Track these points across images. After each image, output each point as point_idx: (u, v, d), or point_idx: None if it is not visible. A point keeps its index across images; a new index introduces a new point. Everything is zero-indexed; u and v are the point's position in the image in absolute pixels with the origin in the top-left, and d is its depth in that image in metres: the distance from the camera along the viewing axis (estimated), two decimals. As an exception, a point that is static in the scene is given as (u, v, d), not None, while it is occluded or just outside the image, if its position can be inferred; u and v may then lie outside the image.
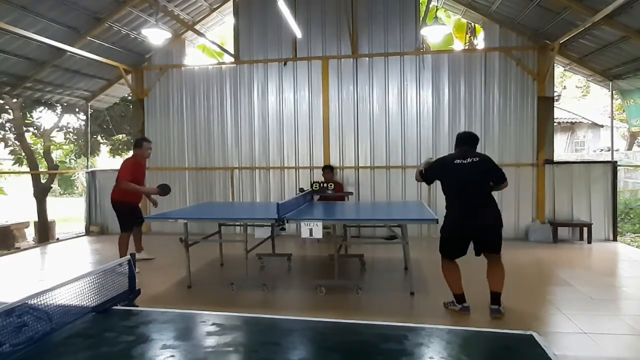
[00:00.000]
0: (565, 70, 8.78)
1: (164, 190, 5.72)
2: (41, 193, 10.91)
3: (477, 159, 3.89)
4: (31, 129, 11.74)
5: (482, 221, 3.80)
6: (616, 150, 12.10)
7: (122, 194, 5.63)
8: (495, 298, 3.84)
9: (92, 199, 8.91)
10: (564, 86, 21.53)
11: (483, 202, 3.86)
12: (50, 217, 10.88)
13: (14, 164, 12.03)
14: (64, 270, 5.56)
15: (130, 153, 6.87)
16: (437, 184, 4.15)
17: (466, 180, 3.85)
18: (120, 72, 8.16)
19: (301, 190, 6.76)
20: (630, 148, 16.38)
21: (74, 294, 2.35)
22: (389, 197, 7.87)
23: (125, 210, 5.68)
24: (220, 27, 10.22)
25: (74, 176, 17.87)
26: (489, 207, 3.87)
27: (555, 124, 8.45)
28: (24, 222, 10.73)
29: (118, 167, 5.90)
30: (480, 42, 11.20)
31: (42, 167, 11.88)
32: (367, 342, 2.00)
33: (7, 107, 11.00)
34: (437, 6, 7.82)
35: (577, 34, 6.31)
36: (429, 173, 4.16)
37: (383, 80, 7.87)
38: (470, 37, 11.71)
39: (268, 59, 8.23)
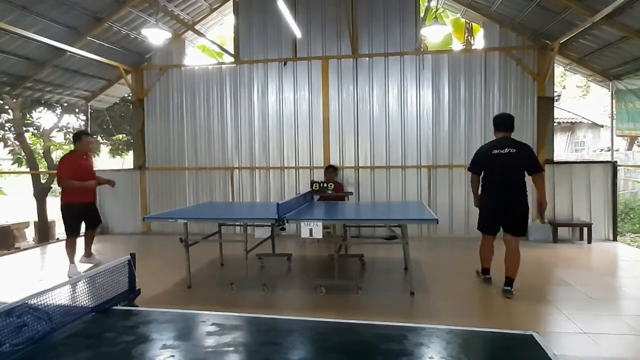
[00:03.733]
0: (565, 70, 8.77)
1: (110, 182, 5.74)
2: (41, 193, 10.91)
3: (514, 150, 4.13)
4: (31, 129, 11.74)
5: (509, 214, 4.25)
6: (616, 150, 12.09)
7: (71, 195, 5.36)
8: (508, 281, 4.32)
9: (92, 199, 8.88)
10: (564, 86, 21.52)
11: (514, 196, 4.19)
12: (50, 217, 10.87)
13: (13, 163, 12.02)
14: (64, 270, 5.55)
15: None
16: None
17: (501, 173, 4.18)
18: (120, 72, 8.17)
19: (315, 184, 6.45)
20: (630, 148, 16.36)
21: (74, 294, 2.35)
22: (389, 197, 7.87)
23: (74, 213, 5.44)
24: (220, 27, 10.23)
25: (74, 176, 17.85)
26: (519, 202, 4.21)
27: (555, 124, 8.44)
28: (24, 222, 10.73)
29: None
30: (477, 42, 11.19)
31: (42, 167, 11.87)
32: (367, 342, 2.00)
33: (7, 107, 11.00)
34: (437, 6, 7.81)
35: (577, 34, 6.31)
36: (472, 165, 4.48)
37: (383, 80, 7.86)
38: (467, 36, 11.70)
39: (268, 59, 8.23)
